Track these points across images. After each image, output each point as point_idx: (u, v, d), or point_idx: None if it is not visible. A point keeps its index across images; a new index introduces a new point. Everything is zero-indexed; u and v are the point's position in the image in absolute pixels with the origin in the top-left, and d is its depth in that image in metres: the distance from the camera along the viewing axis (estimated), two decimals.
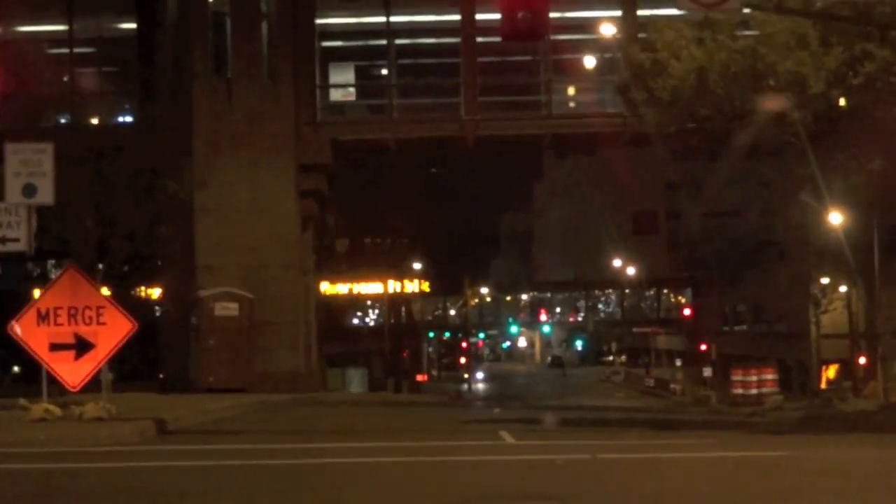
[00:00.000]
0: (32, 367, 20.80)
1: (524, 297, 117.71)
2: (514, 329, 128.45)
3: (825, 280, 52.55)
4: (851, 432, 22.46)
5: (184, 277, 37.00)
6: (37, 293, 23.42)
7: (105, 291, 22.25)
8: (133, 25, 39.95)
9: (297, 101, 37.89)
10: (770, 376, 45.75)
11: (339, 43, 41.83)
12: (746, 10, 23.40)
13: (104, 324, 18.70)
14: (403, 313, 77.73)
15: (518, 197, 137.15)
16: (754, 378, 45.16)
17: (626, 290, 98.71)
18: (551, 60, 39.62)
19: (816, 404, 39.39)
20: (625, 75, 28.79)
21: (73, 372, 18.61)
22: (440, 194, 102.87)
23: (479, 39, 38.40)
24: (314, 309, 41.11)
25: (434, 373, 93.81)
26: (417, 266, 75.47)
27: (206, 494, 11.89)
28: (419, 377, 77.62)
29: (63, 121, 36.94)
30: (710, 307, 79.77)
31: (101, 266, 29.18)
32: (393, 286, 70.43)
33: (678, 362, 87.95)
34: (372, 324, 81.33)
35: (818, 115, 25.56)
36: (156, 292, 42.79)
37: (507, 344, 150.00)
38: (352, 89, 42.08)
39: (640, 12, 36.73)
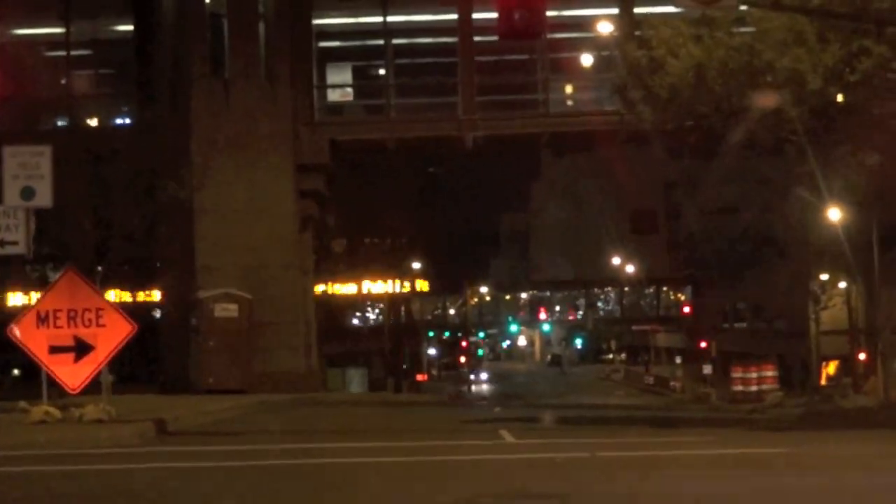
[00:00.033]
0: (32, 370, 20.80)
1: (523, 295, 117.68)
2: (513, 328, 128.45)
3: (824, 276, 52.58)
4: (852, 429, 22.45)
5: (183, 278, 37.01)
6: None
7: (105, 294, 22.25)
8: (130, 27, 39.96)
9: (294, 102, 37.90)
10: (770, 373, 45.80)
11: (336, 43, 41.83)
12: (743, 7, 23.42)
13: (104, 326, 18.72)
14: (403, 313, 77.73)
15: (517, 196, 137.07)
16: (754, 375, 45.21)
17: (626, 288, 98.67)
18: (548, 59, 39.62)
19: (816, 401, 39.37)
20: (622, 73, 28.77)
21: (72, 374, 18.62)
22: (439, 194, 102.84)
23: (477, 38, 38.40)
24: (314, 309, 41.12)
25: (434, 372, 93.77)
26: (417, 266, 75.45)
27: (207, 496, 11.89)
28: (419, 377, 77.60)
29: (61, 123, 36.91)
30: (710, 304, 79.76)
31: (100, 268, 29.17)
32: (392, 286, 70.41)
33: (678, 360, 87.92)
34: (372, 323, 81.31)
35: (816, 112, 25.56)
36: (155, 294, 42.79)
37: (507, 343, 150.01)
38: (349, 89, 42.08)
39: (637, 10, 36.73)
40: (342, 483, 12.77)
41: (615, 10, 37.36)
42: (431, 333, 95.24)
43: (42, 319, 18.70)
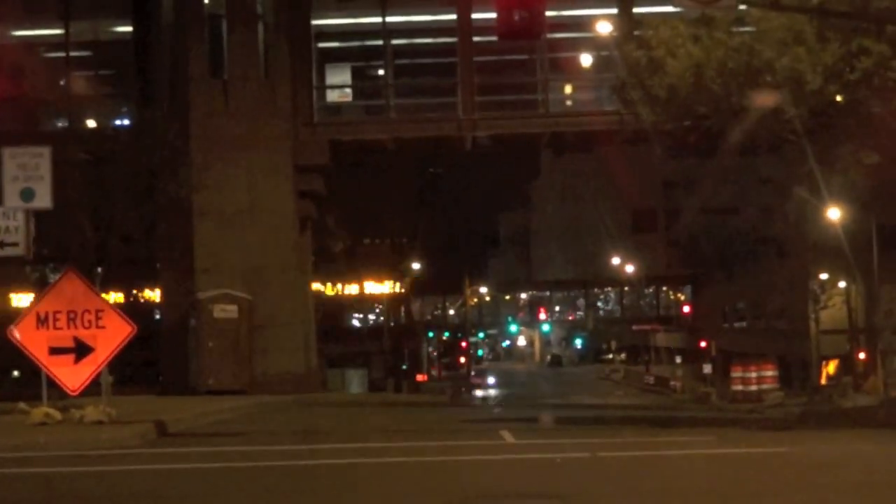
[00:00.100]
0: (32, 371, 20.79)
1: (523, 296, 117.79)
2: (513, 328, 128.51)
3: (824, 276, 52.63)
4: (852, 428, 22.45)
5: (182, 279, 36.98)
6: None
7: (104, 295, 22.24)
8: (129, 28, 39.94)
9: (293, 103, 37.89)
10: (770, 373, 45.85)
11: (335, 44, 41.81)
12: (742, 7, 23.39)
13: (103, 327, 18.71)
14: (403, 313, 77.75)
15: (516, 196, 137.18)
16: (754, 375, 45.26)
17: (626, 288, 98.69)
18: (548, 59, 39.62)
19: (816, 400, 39.43)
20: (621, 73, 28.74)
21: (72, 375, 18.62)
22: (439, 194, 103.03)
23: (476, 39, 38.39)
24: (313, 309, 41.12)
25: (434, 372, 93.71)
26: (416, 266, 75.47)
27: (207, 497, 11.90)
28: (419, 377, 77.56)
29: (60, 124, 36.88)
30: (710, 304, 79.82)
31: (99, 269, 29.12)
32: (391, 286, 70.46)
33: (678, 359, 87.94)
34: (371, 324, 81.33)
35: (815, 111, 25.52)
36: (155, 295, 42.75)
37: (506, 343, 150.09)
38: (349, 90, 42.05)
39: (636, 10, 36.71)
40: (342, 484, 12.77)
41: (614, 10, 37.35)
42: (431, 334, 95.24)
43: (42, 321, 18.70)
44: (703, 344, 67.22)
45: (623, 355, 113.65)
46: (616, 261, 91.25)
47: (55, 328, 18.65)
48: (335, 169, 40.93)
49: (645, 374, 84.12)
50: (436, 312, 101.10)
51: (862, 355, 45.82)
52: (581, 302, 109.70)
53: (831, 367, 56.76)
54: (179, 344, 36.60)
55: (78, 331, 18.62)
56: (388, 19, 39.70)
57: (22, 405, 19.78)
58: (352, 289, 71.25)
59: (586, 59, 39.23)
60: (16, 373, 40.69)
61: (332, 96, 41.63)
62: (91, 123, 36.00)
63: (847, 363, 51.26)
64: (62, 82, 38.24)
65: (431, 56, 41.80)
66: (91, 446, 16.41)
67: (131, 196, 32.14)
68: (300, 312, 38.08)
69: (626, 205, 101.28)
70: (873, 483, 12.27)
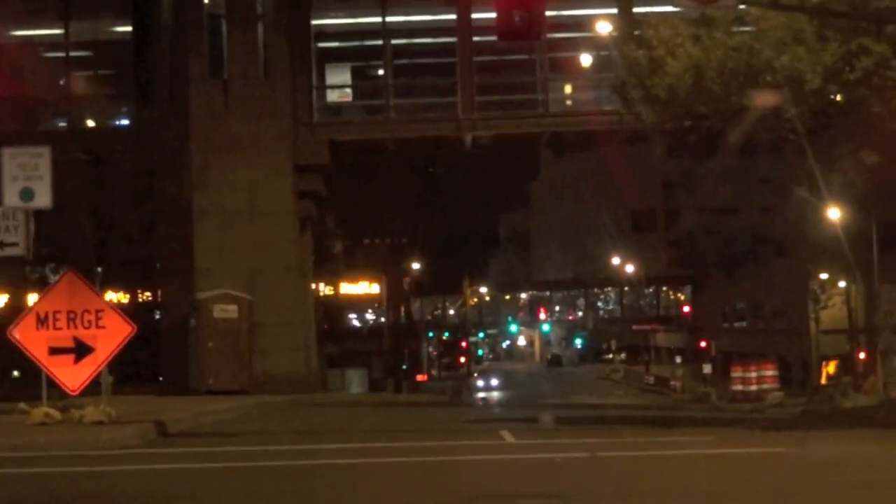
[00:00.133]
0: (32, 372, 20.79)
1: (523, 295, 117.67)
2: (513, 328, 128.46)
3: (824, 276, 52.63)
4: (852, 428, 22.44)
5: (182, 279, 36.98)
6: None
7: (104, 295, 22.25)
8: (129, 28, 39.92)
9: (293, 103, 37.88)
10: (770, 373, 45.85)
11: (335, 44, 41.80)
12: (742, 7, 23.40)
13: (103, 327, 18.71)
14: (403, 313, 77.71)
15: (516, 196, 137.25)
16: (754, 374, 45.25)
17: (625, 288, 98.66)
18: (547, 59, 39.61)
19: (816, 400, 39.37)
20: (621, 73, 28.75)
21: (72, 375, 18.62)
22: (439, 194, 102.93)
23: (476, 39, 38.38)
24: (313, 309, 41.11)
25: (434, 372, 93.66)
26: (416, 266, 75.45)
27: (207, 497, 11.89)
28: (419, 377, 77.52)
29: (60, 124, 36.89)
30: (710, 304, 79.81)
31: (99, 269, 29.13)
32: (391, 286, 70.41)
33: (678, 359, 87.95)
34: (371, 324, 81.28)
35: (815, 111, 25.52)
36: (155, 295, 42.74)
37: (506, 343, 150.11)
38: (348, 90, 42.05)
39: (636, 10, 36.66)
40: (342, 484, 12.76)
41: (614, 10, 37.34)
42: (431, 334, 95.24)
43: (42, 321, 18.70)
44: (702, 344, 67.26)
45: (623, 355, 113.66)
46: (616, 261, 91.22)
47: (55, 328, 18.65)
48: (335, 169, 40.93)
49: (645, 374, 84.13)
50: (436, 312, 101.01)
51: (862, 355, 45.77)
52: (581, 302, 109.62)
53: (831, 367, 56.78)
54: (179, 344, 36.60)
55: (78, 331, 18.63)
56: (388, 19, 39.70)
57: (22, 405, 19.78)
58: (352, 289, 71.20)
59: (586, 59, 39.24)
60: (16, 373, 40.68)
61: (332, 96, 41.62)
62: (91, 123, 36.01)
63: (847, 363, 51.24)
64: (62, 82, 38.25)
65: (431, 56, 41.79)
66: (91, 446, 16.41)
67: (131, 196, 32.16)
68: (300, 312, 38.08)
69: (626, 205, 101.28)
70: (873, 483, 12.27)
